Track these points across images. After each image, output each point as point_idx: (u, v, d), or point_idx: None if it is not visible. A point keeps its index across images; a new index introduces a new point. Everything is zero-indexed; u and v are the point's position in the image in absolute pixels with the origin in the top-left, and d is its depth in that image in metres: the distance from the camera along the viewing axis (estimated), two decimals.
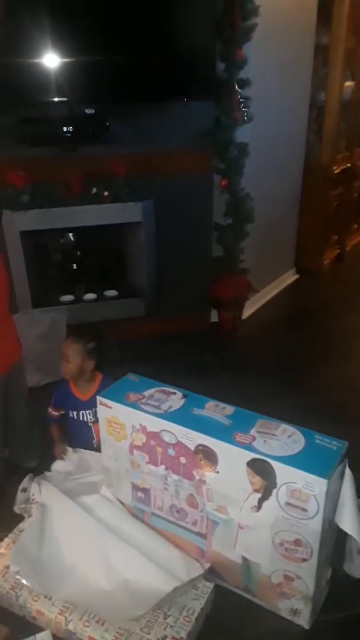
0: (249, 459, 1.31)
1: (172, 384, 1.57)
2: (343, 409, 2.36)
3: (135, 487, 1.59)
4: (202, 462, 1.40)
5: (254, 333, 3.16)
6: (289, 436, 1.35)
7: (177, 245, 2.88)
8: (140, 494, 1.59)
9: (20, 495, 1.73)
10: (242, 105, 2.68)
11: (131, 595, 1.43)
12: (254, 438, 1.34)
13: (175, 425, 1.40)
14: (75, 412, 1.89)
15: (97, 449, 1.72)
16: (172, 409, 1.46)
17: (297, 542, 1.33)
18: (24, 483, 1.75)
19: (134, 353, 2.72)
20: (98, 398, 1.53)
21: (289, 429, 1.38)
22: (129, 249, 3.03)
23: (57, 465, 1.84)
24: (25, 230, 2.61)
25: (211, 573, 1.53)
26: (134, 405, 1.48)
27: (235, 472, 1.35)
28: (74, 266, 3.13)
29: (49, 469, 1.83)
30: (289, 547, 1.35)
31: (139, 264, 2.93)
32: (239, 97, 2.66)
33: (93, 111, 2.52)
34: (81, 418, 1.89)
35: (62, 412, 1.92)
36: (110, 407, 1.51)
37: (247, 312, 3.29)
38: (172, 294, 2.98)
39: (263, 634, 1.45)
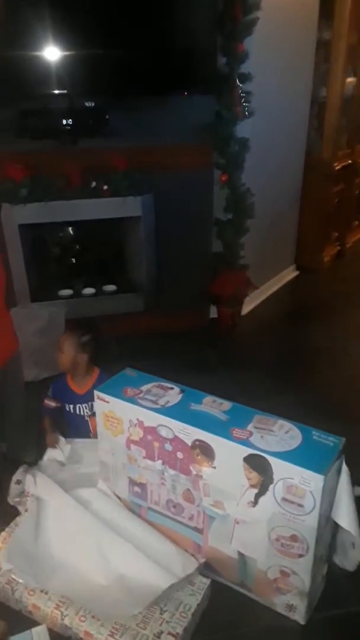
0: (245, 454, 1.31)
1: (171, 379, 1.57)
2: (342, 406, 2.35)
3: (132, 482, 1.59)
4: (199, 457, 1.40)
5: (253, 329, 3.15)
6: (286, 432, 1.35)
7: (177, 240, 2.87)
8: (137, 489, 1.59)
9: (14, 487, 1.72)
10: (243, 100, 2.67)
11: (127, 591, 1.43)
12: (251, 433, 1.34)
13: (173, 420, 1.40)
14: (71, 406, 1.89)
15: None
16: (170, 404, 1.45)
17: (294, 538, 1.33)
18: (18, 474, 1.74)
19: (133, 348, 2.72)
20: (95, 392, 1.53)
21: (286, 424, 1.38)
22: (128, 243, 3.03)
23: (50, 454, 1.83)
24: (24, 224, 2.60)
25: (207, 568, 1.53)
26: (132, 400, 1.47)
27: (232, 468, 1.34)
28: (73, 260, 3.12)
29: (42, 459, 1.83)
30: (285, 542, 1.35)
31: (138, 259, 2.92)
32: (240, 91, 2.65)
33: (93, 104, 2.52)
34: (78, 411, 1.89)
35: (59, 405, 1.91)
36: (108, 402, 1.51)
37: (247, 308, 3.28)
38: (171, 289, 2.97)
39: (259, 630, 1.45)
